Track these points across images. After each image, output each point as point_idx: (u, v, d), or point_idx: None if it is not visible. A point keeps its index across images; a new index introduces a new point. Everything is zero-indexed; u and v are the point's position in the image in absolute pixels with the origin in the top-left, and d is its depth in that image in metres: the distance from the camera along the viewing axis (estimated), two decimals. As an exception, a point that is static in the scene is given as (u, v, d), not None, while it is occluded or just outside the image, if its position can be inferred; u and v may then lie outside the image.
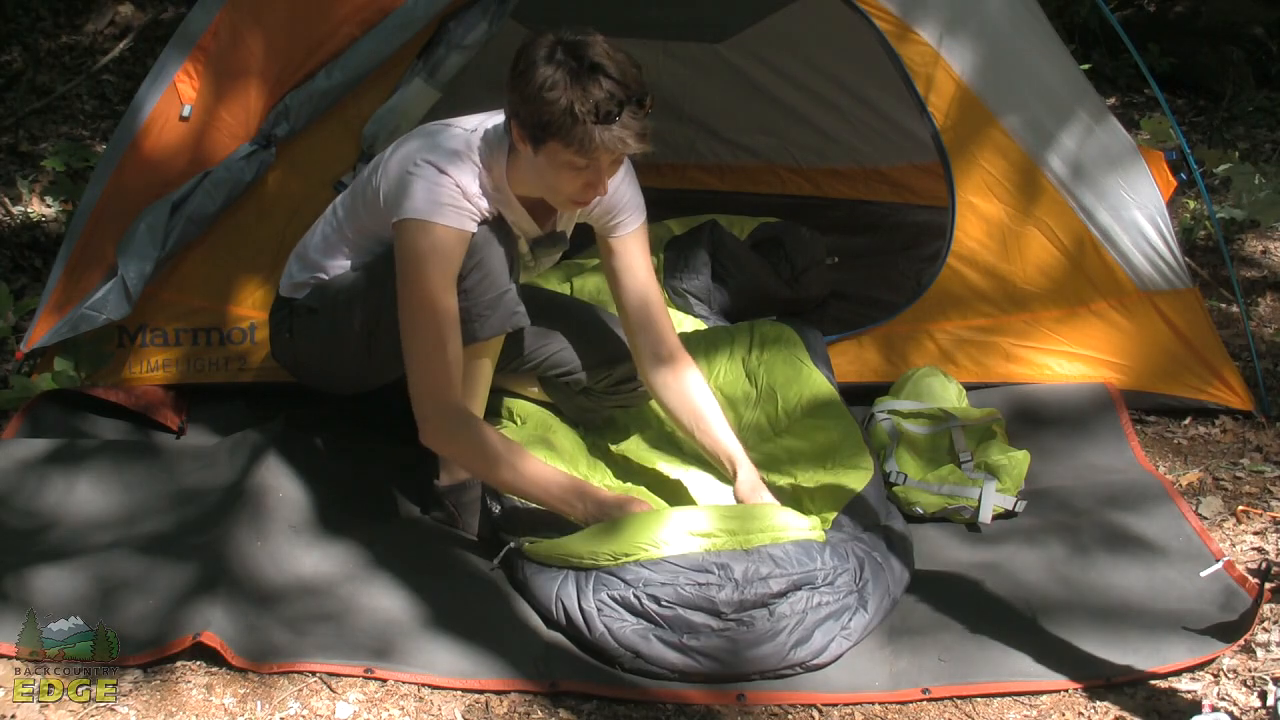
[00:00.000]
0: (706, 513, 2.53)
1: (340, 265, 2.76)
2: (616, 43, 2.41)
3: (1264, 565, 2.71)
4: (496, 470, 2.56)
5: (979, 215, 3.29)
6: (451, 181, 2.52)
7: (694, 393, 2.79)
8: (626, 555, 2.44)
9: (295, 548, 2.67)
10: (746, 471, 2.74)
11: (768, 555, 2.43)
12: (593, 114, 2.34)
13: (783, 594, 2.40)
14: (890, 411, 3.06)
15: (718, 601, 2.38)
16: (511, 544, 2.62)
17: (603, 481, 2.88)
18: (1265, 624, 2.52)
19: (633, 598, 2.40)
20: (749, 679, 2.38)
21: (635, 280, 2.76)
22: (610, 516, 2.51)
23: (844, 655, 2.43)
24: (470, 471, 2.73)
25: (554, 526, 2.62)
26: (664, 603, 2.39)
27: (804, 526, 2.52)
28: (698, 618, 2.38)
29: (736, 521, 2.49)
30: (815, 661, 2.40)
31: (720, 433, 2.78)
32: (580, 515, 2.54)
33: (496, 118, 2.61)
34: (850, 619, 2.45)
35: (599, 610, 2.41)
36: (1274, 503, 2.99)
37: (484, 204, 2.57)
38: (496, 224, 2.62)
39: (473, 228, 2.55)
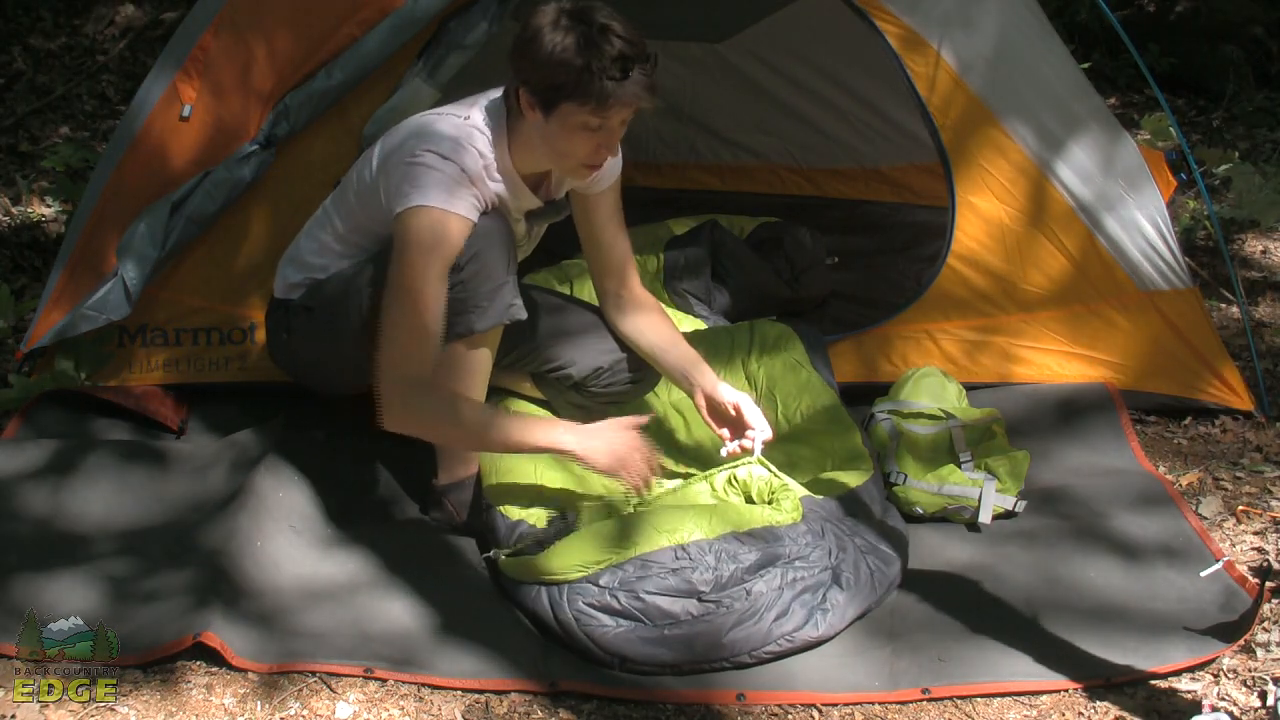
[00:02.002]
0: (675, 512, 2.54)
1: (335, 265, 2.77)
2: (616, 10, 2.46)
3: (1264, 565, 2.71)
4: (468, 434, 2.61)
5: (979, 215, 3.29)
6: (456, 168, 2.53)
7: (651, 328, 2.88)
8: (597, 564, 2.45)
9: (295, 548, 2.67)
10: (706, 380, 2.80)
11: (733, 537, 2.47)
12: (607, 71, 2.40)
13: (757, 569, 2.43)
14: (890, 411, 3.06)
15: (694, 581, 2.40)
16: (487, 555, 2.63)
17: (599, 487, 2.88)
18: (1265, 624, 2.52)
19: (609, 598, 2.41)
20: (739, 661, 2.40)
21: (606, 228, 2.84)
22: (601, 438, 2.57)
23: (833, 639, 2.46)
24: (442, 443, 2.73)
25: (535, 536, 2.61)
26: (642, 594, 2.39)
27: (767, 512, 2.55)
28: (677, 605, 2.39)
29: (704, 518, 2.51)
30: (800, 634, 2.41)
31: (678, 358, 2.85)
32: (575, 448, 2.58)
33: (486, 99, 2.64)
34: (826, 594, 2.46)
35: (577, 620, 2.42)
36: (1274, 503, 2.99)
37: (488, 190, 2.59)
38: (495, 215, 2.62)
39: (475, 216, 2.56)
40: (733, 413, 2.76)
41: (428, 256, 2.50)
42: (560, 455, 2.63)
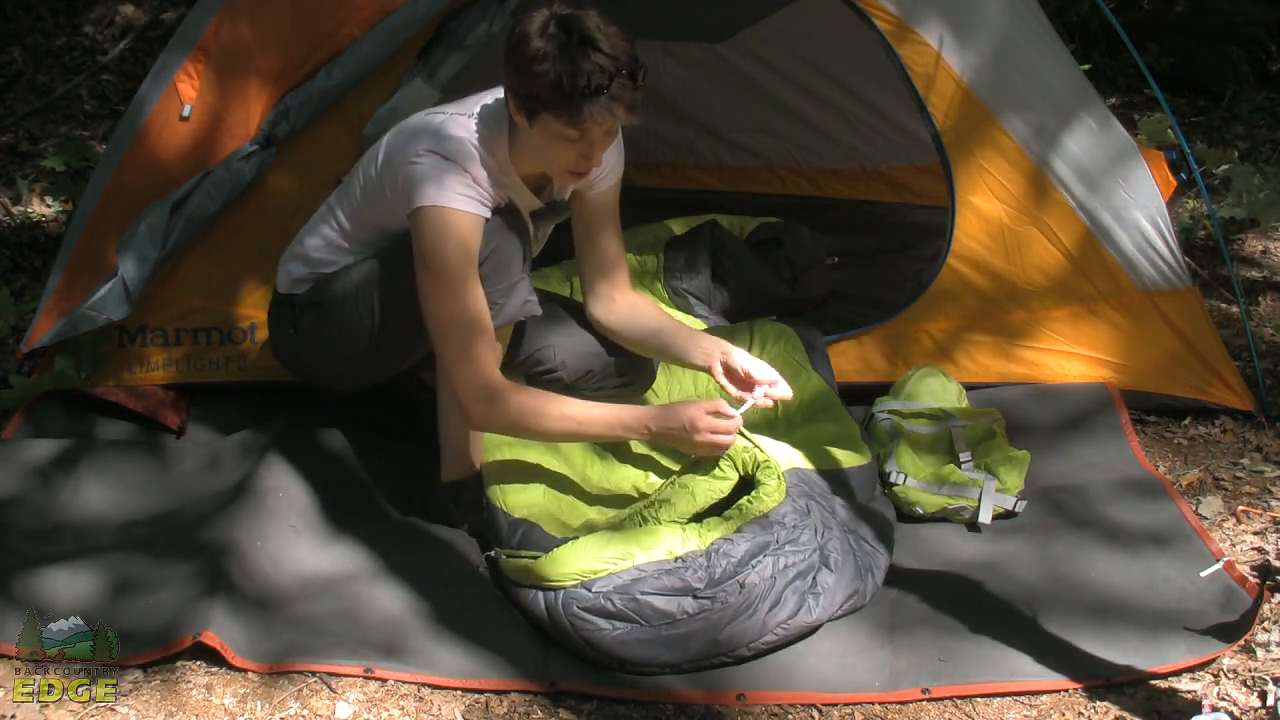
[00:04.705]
0: (672, 526, 2.54)
1: (341, 260, 2.77)
2: (611, 18, 2.43)
3: (1264, 565, 2.71)
4: (551, 428, 2.63)
5: (979, 215, 3.29)
6: (458, 168, 2.53)
7: (644, 316, 2.87)
8: (594, 572, 2.45)
9: (296, 548, 2.67)
10: (717, 346, 2.77)
11: (723, 539, 2.49)
12: (580, 87, 2.37)
13: (749, 559, 2.44)
14: (890, 411, 3.06)
15: (689, 579, 2.41)
16: (489, 554, 2.65)
17: (600, 483, 2.89)
18: (1265, 624, 2.52)
19: (604, 602, 2.42)
20: (738, 655, 2.41)
21: (602, 228, 2.83)
22: (675, 421, 2.58)
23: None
24: (530, 438, 2.74)
25: (530, 539, 2.62)
26: (637, 595, 2.40)
27: (752, 504, 2.56)
28: (673, 604, 2.40)
29: (695, 529, 2.53)
30: (794, 622, 2.42)
31: (678, 334, 2.85)
32: (648, 436, 2.64)
33: (490, 97, 2.64)
34: (815, 577, 2.48)
35: (573, 625, 2.42)
36: (1274, 503, 2.99)
37: (492, 188, 2.58)
38: (508, 212, 2.63)
39: (486, 213, 2.56)
40: (744, 376, 2.73)
41: (450, 255, 2.51)
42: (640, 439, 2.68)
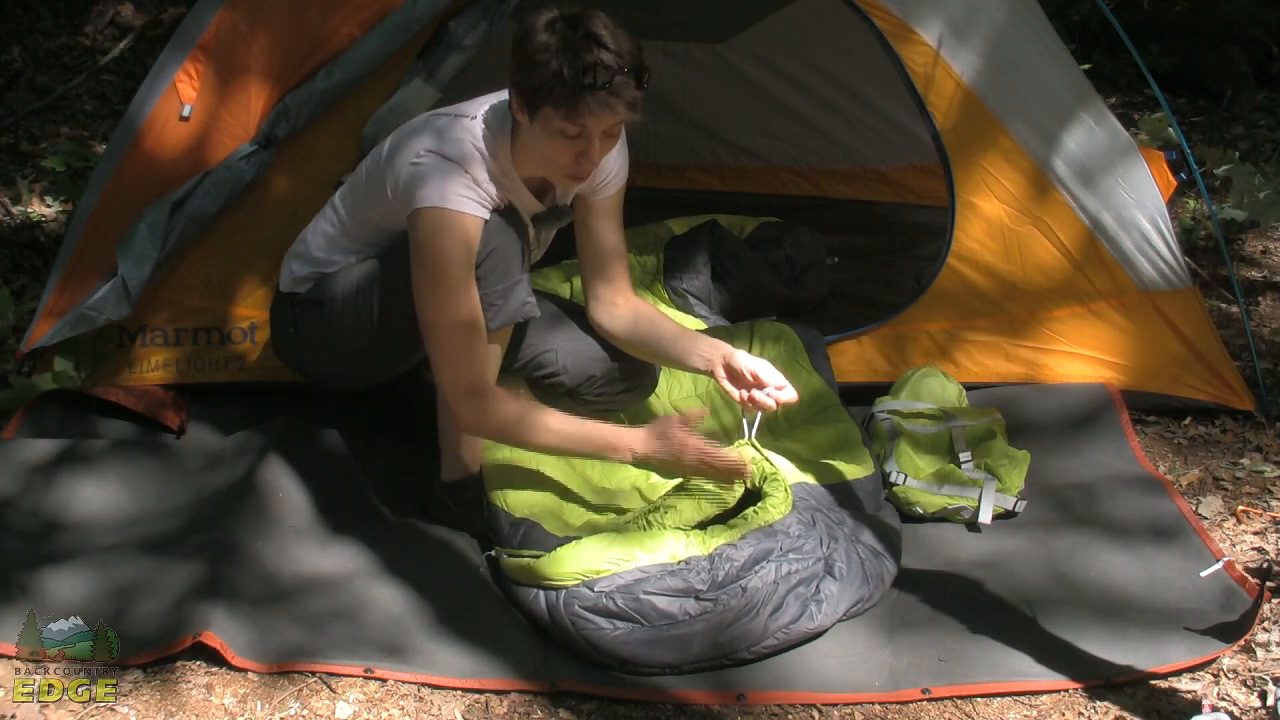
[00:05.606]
0: (675, 530, 2.54)
1: (343, 260, 2.77)
2: (619, 21, 2.44)
3: (1264, 565, 2.71)
4: (535, 440, 2.65)
5: (979, 215, 3.29)
6: (460, 169, 2.53)
7: (645, 321, 2.86)
8: (596, 572, 2.45)
9: (296, 548, 2.68)
10: (718, 350, 2.75)
11: (727, 545, 2.49)
12: (581, 79, 2.37)
13: (751, 564, 2.44)
14: (890, 411, 3.06)
15: (691, 581, 2.41)
16: (490, 553, 2.65)
17: (600, 483, 2.89)
18: (1265, 624, 2.52)
19: (605, 601, 2.42)
20: (739, 658, 2.41)
21: (605, 233, 2.83)
22: (653, 442, 2.61)
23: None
24: (516, 446, 2.76)
25: (532, 539, 2.62)
26: (639, 595, 2.40)
27: (758, 515, 2.55)
28: (674, 605, 2.40)
29: (700, 534, 2.52)
30: (796, 627, 2.43)
31: (680, 338, 2.83)
32: (632, 460, 2.65)
33: (496, 98, 2.64)
34: (819, 585, 2.48)
35: (574, 625, 2.43)
36: (1274, 503, 2.99)
37: (493, 190, 2.58)
38: (509, 213, 2.63)
39: (486, 214, 2.56)
40: (750, 379, 2.71)
41: (448, 257, 2.51)
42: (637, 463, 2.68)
